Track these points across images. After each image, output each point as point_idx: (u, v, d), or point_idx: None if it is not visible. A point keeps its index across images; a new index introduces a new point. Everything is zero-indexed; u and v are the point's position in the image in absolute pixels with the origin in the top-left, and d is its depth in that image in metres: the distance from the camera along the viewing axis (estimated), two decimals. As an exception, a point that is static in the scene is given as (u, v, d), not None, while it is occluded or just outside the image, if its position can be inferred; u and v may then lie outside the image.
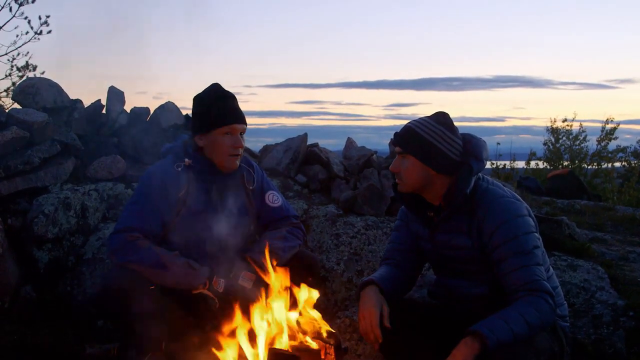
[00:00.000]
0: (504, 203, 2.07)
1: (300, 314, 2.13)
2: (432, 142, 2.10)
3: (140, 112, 4.42)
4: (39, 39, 7.59)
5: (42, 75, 7.45)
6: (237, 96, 2.50)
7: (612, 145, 10.80)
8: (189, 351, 2.41)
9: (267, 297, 2.14)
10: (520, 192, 5.33)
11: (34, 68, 7.97)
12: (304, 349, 2.01)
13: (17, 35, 7.70)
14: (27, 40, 7.64)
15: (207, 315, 2.36)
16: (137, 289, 2.22)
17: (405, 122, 2.21)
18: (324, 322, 2.12)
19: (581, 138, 11.10)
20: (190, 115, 2.60)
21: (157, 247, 2.31)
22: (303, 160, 4.43)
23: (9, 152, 3.52)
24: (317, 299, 2.17)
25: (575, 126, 11.18)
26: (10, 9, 7.31)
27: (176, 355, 2.40)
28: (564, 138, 11.26)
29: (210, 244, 2.43)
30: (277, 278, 2.19)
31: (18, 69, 7.94)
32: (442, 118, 2.15)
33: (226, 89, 2.51)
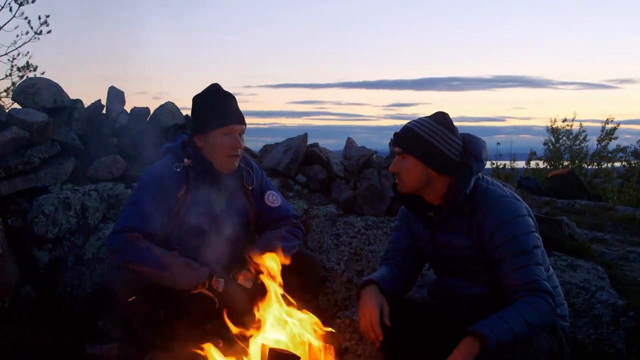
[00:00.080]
0: (503, 203, 2.07)
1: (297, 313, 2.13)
2: (432, 142, 2.10)
3: (140, 112, 4.42)
4: (39, 39, 7.61)
5: (42, 75, 7.45)
6: (237, 96, 2.51)
7: (612, 145, 10.81)
8: (189, 351, 2.41)
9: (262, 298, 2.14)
10: (520, 192, 5.33)
11: (34, 68, 7.99)
12: (303, 349, 2.01)
13: (17, 35, 7.73)
14: (27, 40, 7.65)
15: (207, 315, 2.37)
16: (136, 289, 2.23)
17: (405, 122, 2.21)
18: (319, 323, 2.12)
19: (581, 138, 11.10)
20: (190, 116, 2.60)
21: (157, 247, 2.31)
22: (303, 160, 4.43)
23: (9, 152, 3.53)
24: (317, 299, 2.18)
25: (575, 126, 11.19)
26: (10, 9, 7.32)
27: (176, 355, 2.39)
28: (564, 138, 11.26)
29: (210, 244, 2.43)
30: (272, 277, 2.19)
31: (18, 69, 7.95)
32: (441, 118, 2.15)
33: (226, 89, 2.51)
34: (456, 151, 2.13)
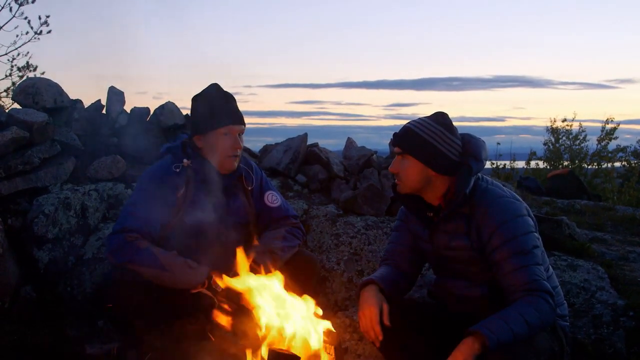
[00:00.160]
0: (503, 203, 2.07)
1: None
2: (432, 142, 2.10)
3: (140, 112, 4.42)
4: (39, 39, 7.61)
5: (42, 75, 7.46)
6: (237, 96, 2.50)
7: (612, 145, 10.82)
8: (189, 351, 2.41)
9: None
10: (520, 192, 5.33)
11: (34, 68, 7.99)
12: (303, 350, 2.01)
13: (17, 35, 7.73)
14: (27, 40, 7.66)
15: (206, 315, 2.36)
16: (136, 289, 2.23)
17: (405, 122, 2.21)
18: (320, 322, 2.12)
19: (581, 138, 11.11)
20: (190, 116, 2.60)
21: (156, 248, 2.31)
22: (303, 160, 4.43)
23: (9, 152, 3.53)
24: (317, 299, 2.18)
25: (575, 126, 11.20)
26: (11, 9, 7.32)
27: (176, 355, 2.40)
28: (564, 138, 11.27)
29: (209, 244, 2.43)
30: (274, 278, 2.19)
31: (18, 69, 7.95)
32: (441, 118, 2.15)
33: (226, 89, 2.51)
34: (455, 151, 2.13)
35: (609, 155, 10.69)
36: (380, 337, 2.10)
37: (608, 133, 10.88)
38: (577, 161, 10.79)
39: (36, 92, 4.06)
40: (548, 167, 10.80)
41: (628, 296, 2.82)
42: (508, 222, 2.03)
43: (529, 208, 2.15)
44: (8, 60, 7.97)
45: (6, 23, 7.48)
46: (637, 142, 11.23)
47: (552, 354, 1.95)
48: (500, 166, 10.15)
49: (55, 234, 3.33)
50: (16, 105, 4.21)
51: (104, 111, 4.38)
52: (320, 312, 2.14)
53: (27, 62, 7.93)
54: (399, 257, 2.35)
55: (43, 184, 3.58)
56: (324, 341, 2.06)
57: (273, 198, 2.66)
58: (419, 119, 2.17)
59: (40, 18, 7.48)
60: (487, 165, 2.73)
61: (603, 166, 10.30)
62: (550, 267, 2.19)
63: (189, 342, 2.40)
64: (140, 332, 2.33)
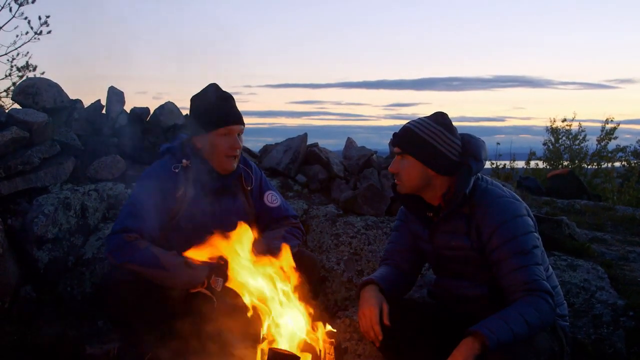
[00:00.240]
0: (502, 203, 2.07)
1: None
2: (431, 142, 2.10)
3: (140, 112, 4.43)
4: (39, 39, 7.61)
5: (42, 75, 7.46)
6: (236, 96, 2.50)
7: (612, 145, 10.83)
8: (188, 350, 2.41)
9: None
10: (520, 192, 5.33)
11: (34, 68, 8.00)
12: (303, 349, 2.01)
13: (17, 35, 7.74)
14: (27, 40, 7.66)
15: (206, 315, 2.36)
16: (136, 289, 2.23)
17: (405, 122, 2.21)
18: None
19: (581, 138, 11.11)
20: (189, 116, 2.60)
21: (155, 247, 2.31)
22: (303, 160, 4.43)
23: (9, 152, 3.53)
24: (317, 299, 2.18)
25: (575, 126, 11.20)
26: (10, 9, 7.33)
27: (176, 355, 2.39)
28: (564, 138, 11.28)
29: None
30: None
31: (18, 69, 7.96)
32: (440, 118, 2.15)
33: (225, 89, 2.51)
34: (455, 151, 2.13)
35: (609, 155, 10.69)
36: (380, 337, 2.10)
37: (608, 133, 10.88)
38: (577, 161, 10.79)
39: (36, 92, 4.07)
40: (548, 167, 10.80)
41: (628, 296, 2.82)
42: (508, 222, 2.03)
43: (528, 208, 2.15)
44: (8, 60, 7.98)
45: (6, 23, 7.50)
46: (637, 142, 11.25)
47: (552, 354, 1.95)
48: (500, 166, 10.15)
49: (55, 234, 3.33)
50: (16, 106, 4.22)
51: (103, 111, 4.38)
52: (319, 312, 2.14)
53: (27, 62, 7.94)
54: (398, 257, 2.35)
55: (43, 184, 3.58)
56: (324, 341, 2.06)
57: (273, 198, 2.66)
58: (419, 119, 2.17)
59: (40, 18, 7.50)
60: (487, 165, 2.73)
61: (603, 166, 10.30)
62: (550, 267, 2.19)
63: (189, 342, 2.40)
64: (140, 332, 2.33)
